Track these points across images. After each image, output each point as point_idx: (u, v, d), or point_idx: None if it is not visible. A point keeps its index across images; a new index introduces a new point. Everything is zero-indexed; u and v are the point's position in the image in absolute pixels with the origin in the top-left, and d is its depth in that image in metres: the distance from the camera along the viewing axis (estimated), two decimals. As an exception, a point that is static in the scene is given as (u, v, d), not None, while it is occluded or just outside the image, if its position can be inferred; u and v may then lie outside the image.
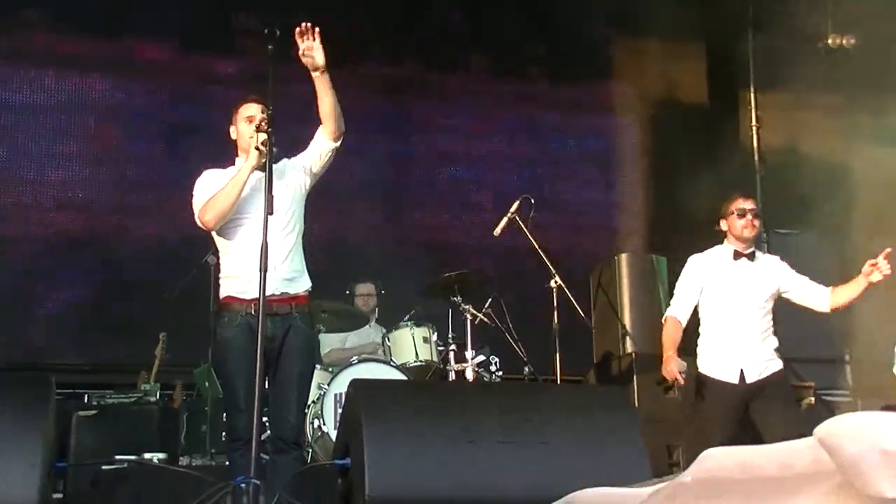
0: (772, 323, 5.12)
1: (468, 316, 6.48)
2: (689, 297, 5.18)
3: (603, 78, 9.44)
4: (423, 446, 3.46)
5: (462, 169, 8.91)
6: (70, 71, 8.03)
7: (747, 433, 4.90)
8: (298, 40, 4.17)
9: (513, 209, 6.70)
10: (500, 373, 6.51)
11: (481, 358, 6.40)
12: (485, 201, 8.72)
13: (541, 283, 6.60)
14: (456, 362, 6.37)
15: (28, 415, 3.39)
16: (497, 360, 6.52)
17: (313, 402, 5.83)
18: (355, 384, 3.96)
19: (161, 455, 5.60)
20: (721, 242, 5.27)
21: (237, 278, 4.23)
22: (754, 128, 9.66)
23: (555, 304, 6.50)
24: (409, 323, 6.57)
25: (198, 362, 6.61)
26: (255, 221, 4.05)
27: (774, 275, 5.19)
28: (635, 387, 6.19)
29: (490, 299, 6.72)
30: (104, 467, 5.24)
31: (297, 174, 4.42)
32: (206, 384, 6.36)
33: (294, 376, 4.21)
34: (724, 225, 5.24)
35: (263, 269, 3.79)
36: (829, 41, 9.03)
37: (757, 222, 5.18)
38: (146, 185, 8.04)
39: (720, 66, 9.64)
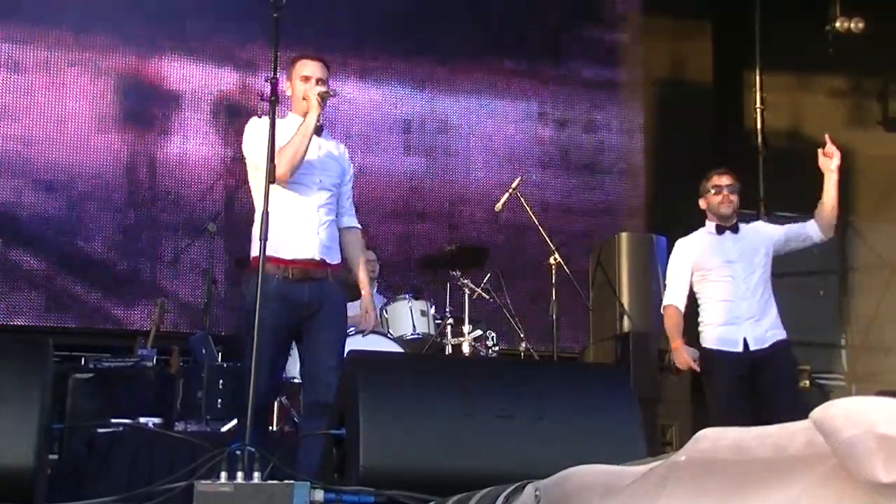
0: (770, 293, 5.11)
1: (466, 290, 6.49)
2: (681, 281, 5.17)
3: (609, 55, 9.39)
4: (419, 418, 3.47)
5: (465, 143, 8.88)
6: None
7: (751, 412, 4.90)
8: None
9: (514, 185, 6.69)
10: (497, 348, 6.53)
11: (478, 333, 6.41)
12: (486, 176, 8.70)
13: (540, 260, 6.61)
14: (453, 336, 6.38)
15: (25, 376, 3.39)
16: (494, 335, 6.53)
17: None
18: (352, 355, 3.96)
19: (156, 420, 5.63)
20: (703, 223, 5.26)
21: (273, 238, 4.15)
22: (758, 109, 9.63)
23: (553, 281, 6.51)
24: (406, 296, 6.58)
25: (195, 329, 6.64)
26: (298, 182, 4.19)
27: (760, 237, 5.18)
28: (631, 366, 6.20)
29: (489, 274, 6.73)
30: (99, 430, 5.26)
31: (347, 164, 4.52)
32: (203, 351, 6.37)
33: (332, 342, 4.25)
34: (703, 204, 5.24)
35: (263, 237, 3.78)
36: (837, 24, 8.98)
37: (734, 198, 5.14)
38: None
39: (726, 47, 9.59)
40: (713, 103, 9.52)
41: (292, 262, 4.16)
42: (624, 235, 7.04)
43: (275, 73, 4.05)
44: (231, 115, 8.04)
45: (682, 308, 5.15)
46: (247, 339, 4.36)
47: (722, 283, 5.08)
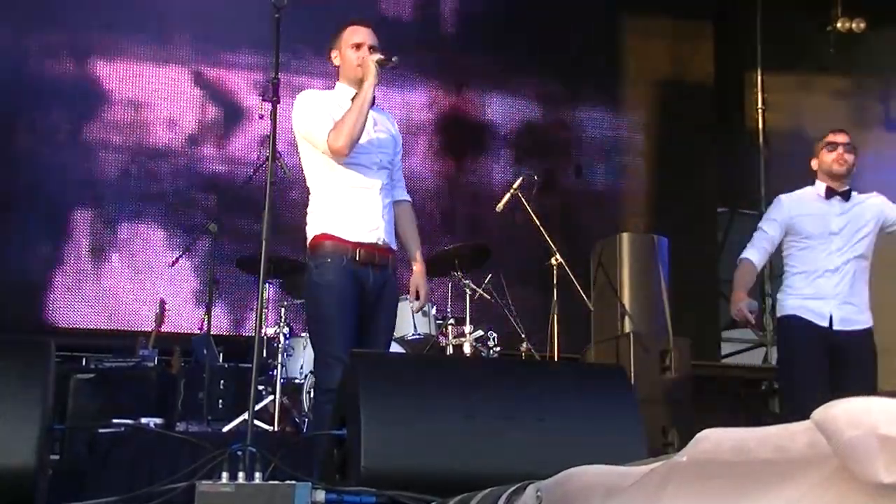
0: (865, 273, 4.83)
1: (467, 291, 6.49)
2: (768, 237, 4.90)
3: (610, 55, 9.39)
4: (420, 419, 3.46)
5: (465, 142, 8.88)
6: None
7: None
8: None
9: (515, 185, 6.69)
10: (498, 348, 6.52)
11: (479, 333, 6.41)
12: (487, 176, 8.70)
13: (541, 260, 6.60)
14: (454, 337, 6.38)
15: (27, 377, 3.39)
16: (495, 335, 6.52)
17: (311, 371, 5.83)
18: (354, 355, 3.95)
19: (158, 420, 5.63)
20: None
21: (337, 217, 4.10)
22: (760, 110, 9.63)
23: (554, 281, 6.50)
24: (408, 296, 6.56)
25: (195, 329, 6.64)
26: (358, 163, 4.08)
27: (872, 210, 4.86)
28: (633, 367, 6.19)
29: (490, 275, 6.73)
30: (101, 431, 5.26)
31: (397, 135, 4.40)
32: (205, 351, 6.37)
33: (387, 329, 4.23)
34: (814, 164, 4.96)
35: (266, 237, 3.76)
36: (838, 24, 8.99)
37: (849, 157, 4.80)
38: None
39: (728, 47, 9.59)
40: (714, 103, 9.51)
41: (359, 244, 4.05)
42: (625, 236, 7.02)
43: (276, 74, 4.01)
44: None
45: (759, 267, 4.88)
46: (315, 320, 4.13)
47: (815, 252, 4.79)
